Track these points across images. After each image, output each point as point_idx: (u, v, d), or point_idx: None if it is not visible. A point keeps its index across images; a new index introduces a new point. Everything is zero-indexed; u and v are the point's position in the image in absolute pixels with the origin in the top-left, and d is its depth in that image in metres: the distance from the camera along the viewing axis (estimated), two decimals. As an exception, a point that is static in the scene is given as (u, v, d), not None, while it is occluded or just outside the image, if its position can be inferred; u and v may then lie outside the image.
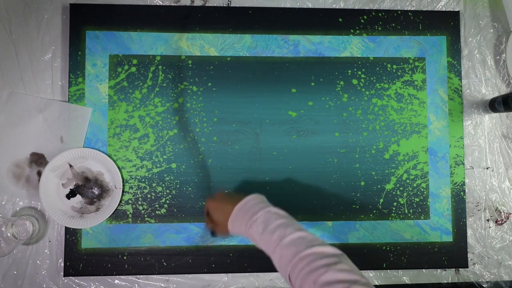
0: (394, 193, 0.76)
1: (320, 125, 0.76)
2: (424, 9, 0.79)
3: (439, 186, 0.76)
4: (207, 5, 0.77)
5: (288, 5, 0.78)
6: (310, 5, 0.78)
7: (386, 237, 0.75)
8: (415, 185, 0.76)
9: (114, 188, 0.72)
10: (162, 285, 0.73)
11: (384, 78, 0.77)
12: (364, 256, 0.74)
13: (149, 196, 0.73)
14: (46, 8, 0.74)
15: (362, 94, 0.76)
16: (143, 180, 0.73)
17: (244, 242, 0.73)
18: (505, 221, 0.77)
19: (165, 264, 0.72)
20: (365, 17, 0.77)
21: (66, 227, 0.71)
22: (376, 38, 0.77)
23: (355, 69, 0.77)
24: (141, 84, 0.74)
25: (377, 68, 0.77)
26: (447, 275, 0.76)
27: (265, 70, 0.76)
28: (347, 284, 0.41)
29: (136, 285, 0.72)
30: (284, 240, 0.49)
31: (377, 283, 0.75)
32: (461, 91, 0.78)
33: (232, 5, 0.77)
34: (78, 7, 0.74)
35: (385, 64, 0.77)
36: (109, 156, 0.72)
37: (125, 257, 0.72)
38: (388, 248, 0.75)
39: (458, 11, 0.79)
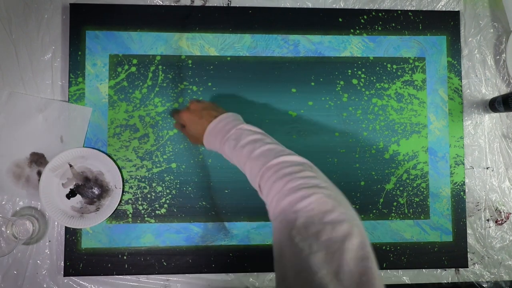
0: (394, 193, 0.76)
1: (320, 125, 0.76)
2: (424, 9, 0.79)
3: (439, 186, 0.76)
4: (207, 5, 0.77)
5: (288, 5, 0.78)
6: (310, 5, 0.78)
7: (386, 237, 0.75)
8: (415, 185, 0.76)
9: (114, 188, 0.72)
10: (162, 284, 0.73)
11: (384, 78, 0.77)
12: (364, 256, 0.74)
13: (149, 196, 0.73)
14: (46, 8, 0.74)
15: (362, 94, 0.76)
16: (143, 180, 0.73)
17: (244, 242, 0.73)
18: (505, 221, 0.78)
19: (165, 264, 0.72)
20: (365, 17, 0.77)
21: (66, 227, 0.71)
22: (376, 38, 0.77)
23: (355, 69, 0.77)
24: (141, 84, 0.74)
25: (377, 68, 0.77)
26: (447, 275, 0.76)
27: (265, 70, 0.76)
28: (311, 189, 0.41)
29: (136, 285, 0.72)
30: (254, 153, 0.49)
31: (377, 283, 0.75)
32: (461, 91, 0.78)
33: (232, 5, 0.77)
34: (78, 7, 0.74)
35: (385, 64, 0.77)
36: (109, 156, 0.72)
37: (125, 257, 0.72)
38: (388, 248, 0.75)
39: (458, 11, 0.79)
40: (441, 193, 0.76)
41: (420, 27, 0.78)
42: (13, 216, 0.72)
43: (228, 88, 0.75)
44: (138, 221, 0.73)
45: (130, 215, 0.73)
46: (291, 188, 0.42)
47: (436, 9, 0.79)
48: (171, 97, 0.74)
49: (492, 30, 0.80)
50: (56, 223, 0.72)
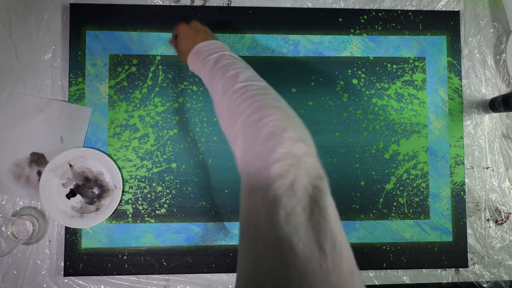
0: (394, 193, 0.76)
1: (320, 125, 0.76)
2: (424, 9, 0.79)
3: (439, 186, 0.76)
4: (207, 5, 0.77)
5: (288, 5, 0.78)
6: (310, 5, 0.78)
7: (386, 237, 0.75)
8: (415, 185, 0.76)
9: (114, 188, 0.72)
10: (162, 284, 0.73)
11: (384, 78, 0.77)
12: (364, 256, 0.74)
13: (149, 196, 0.73)
14: (46, 8, 0.74)
15: (362, 94, 0.76)
16: (143, 180, 0.73)
17: (244, 242, 0.73)
18: (505, 221, 0.77)
19: (165, 264, 0.72)
20: (365, 17, 0.77)
21: (66, 227, 0.71)
22: (376, 38, 0.77)
23: (355, 69, 0.77)
24: (141, 84, 0.74)
25: (377, 68, 0.77)
26: (447, 275, 0.76)
27: (265, 70, 0.75)
28: (273, 109, 0.43)
29: (136, 285, 0.72)
30: (227, 74, 0.50)
31: (377, 283, 0.75)
32: (461, 91, 0.78)
33: (232, 5, 0.77)
34: (78, 7, 0.74)
35: (385, 64, 0.77)
36: (109, 155, 0.72)
37: (125, 257, 0.72)
38: (388, 248, 0.75)
39: (458, 11, 0.79)
40: (441, 193, 0.76)
41: (420, 27, 0.78)
42: (13, 216, 0.72)
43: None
44: (138, 221, 0.73)
45: (130, 215, 0.73)
46: (255, 108, 0.44)
47: (436, 9, 0.79)
48: (171, 97, 0.74)
49: (492, 30, 0.80)
50: (56, 223, 0.72)
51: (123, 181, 0.72)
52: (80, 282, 0.72)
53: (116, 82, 0.74)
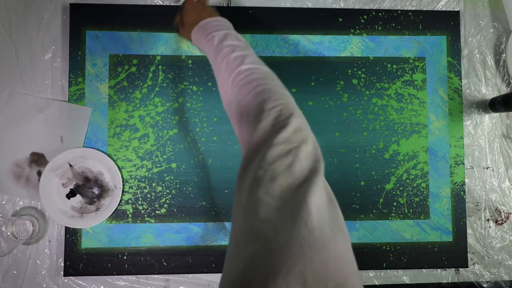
0: (394, 193, 0.76)
1: (320, 125, 0.76)
2: (424, 9, 0.79)
3: (439, 186, 0.76)
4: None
5: (288, 5, 0.78)
6: (310, 5, 0.78)
7: (386, 237, 0.75)
8: (415, 185, 0.76)
9: (114, 188, 0.72)
10: (162, 284, 0.73)
11: (384, 78, 0.77)
12: (364, 256, 0.74)
13: (149, 196, 0.73)
14: (46, 8, 0.74)
15: (362, 94, 0.76)
16: (143, 180, 0.73)
17: (244, 242, 0.73)
18: (505, 221, 0.77)
19: (165, 264, 0.72)
20: (365, 17, 0.77)
21: (66, 227, 0.71)
22: (376, 38, 0.77)
23: (355, 69, 0.77)
24: (141, 84, 0.74)
25: (377, 68, 0.77)
26: (447, 275, 0.76)
27: (265, 70, 0.75)
28: (279, 95, 0.44)
29: (136, 285, 0.72)
30: (232, 54, 0.51)
31: (377, 283, 0.75)
32: (461, 91, 0.78)
33: (232, 5, 0.77)
34: (78, 7, 0.74)
35: (385, 64, 0.77)
36: (109, 156, 0.72)
37: (125, 257, 0.72)
38: (388, 248, 0.75)
39: (458, 11, 0.79)
40: (441, 193, 0.76)
41: (420, 27, 0.78)
42: (13, 216, 0.72)
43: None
44: (138, 221, 0.73)
45: (130, 215, 0.73)
46: (261, 90, 0.45)
47: (436, 9, 0.79)
48: (171, 97, 0.74)
49: (492, 30, 0.80)
50: (56, 223, 0.72)
51: (123, 181, 0.72)
52: (80, 282, 0.72)
53: (116, 82, 0.74)
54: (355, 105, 0.76)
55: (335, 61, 0.76)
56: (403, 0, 0.79)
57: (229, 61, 0.50)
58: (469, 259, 0.76)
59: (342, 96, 0.76)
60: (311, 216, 0.31)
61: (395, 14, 0.78)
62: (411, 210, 0.75)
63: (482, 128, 0.78)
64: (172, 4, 0.76)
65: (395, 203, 0.75)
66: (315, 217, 0.31)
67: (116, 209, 0.72)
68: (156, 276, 0.73)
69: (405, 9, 0.79)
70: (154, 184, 0.73)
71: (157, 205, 0.73)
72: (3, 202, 0.72)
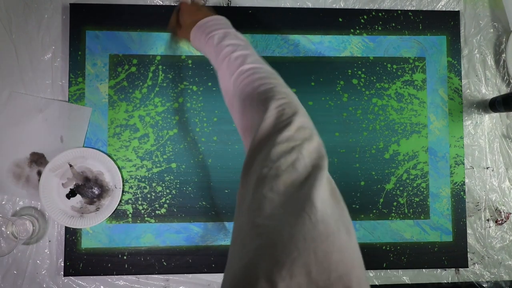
0: (394, 193, 0.76)
1: (320, 125, 0.75)
2: (424, 9, 0.79)
3: (439, 186, 0.76)
4: (207, 5, 0.76)
5: (288, 5, 0.78)
6: (310, 5, 0.78)
7: (386, 237, 0.75)
8: (415, 185, 0.76)
9: (114, 188, 0.72)
10: (162, 284, 0.73)
11: (384, 77, 0.77)
12: (364, 256, 0.74)
13: (149, 196, 0.73)
14: (46, 8, 0.74)
15: (362, 93, 0.76)
16: (143, 180, 0.73)
17: (244, 242, 0.73)
18: (505, 221, 0.77)
19: (165, 264, 0.72)
20: (365, 16, 0.77)
21: (66, 227, 0.71)
22: (376, 38, 0.77)
23: (355, 69, 0.77)
24: (141, 83, 0.74)
25: (377, 68, 0.77)
26: (447, 275, 0.76)
27: (265, 70, 0.75)
28: (282, 94, 0.45)
29: (136, 285, 0.72)
30: (234, 54, 0.51)
31: (377, 283, 0.75)
32: (461, 91, 0.78)
33: (232, 5, 0.77)
34: (78, 7, 0.74)
35: (385, 63, 0.77)
36: (109, 155, 0.72)
37: (125, 257, 0.72)
38: (388, 248, 0.75)
39: (458, 11, 0.79)
40: (441, 193, 0.76)
41: (420, 27, 0.78)
42: (13, 216, 0.72)
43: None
44: (138, 221, 0.73)
45: (130, 215, 0.73)
46: (264, 90, 0.45)
47: (436, 9, 0.79)
48: (171, 97, 0.74)
49: (492, 30, 0.80)
50: (56, 223, 0.72)
51: (123, 181, 0.72)
52: (80, 282, 0.72)
53: (116, 82, 0.74)
54: (355, 105, 0.76)
55: (335, 61, 0.76)
56: (403, 0, 0.79)
57: (230, 60, 0.50)
58: (469, 259, 0.76)
59: (342, 96, 0.76)
60: (315, 210, 0.32)
61: (395, 14, 0.78)
62: (411, 210, 0.75)
63: (482, 128, 0.78)
64: (172, 4, 0.76)
65: (395, 203, 0.75)
66: (319, 211, 0.32)
67: (116, 209, 0.72)
68: (156, 276, 0.73)
69: (405, 9, 0.79)
70: (154, 184, 0.73)
71: (157, 205, 0.73)
72: (3, 202, 0.72)
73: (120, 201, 0.72)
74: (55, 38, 0.74)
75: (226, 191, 0.74)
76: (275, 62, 0.75)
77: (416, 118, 0.77)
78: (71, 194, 0.72)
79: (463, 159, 0.77)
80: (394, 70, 0.77)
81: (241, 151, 0.74)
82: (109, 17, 0.74)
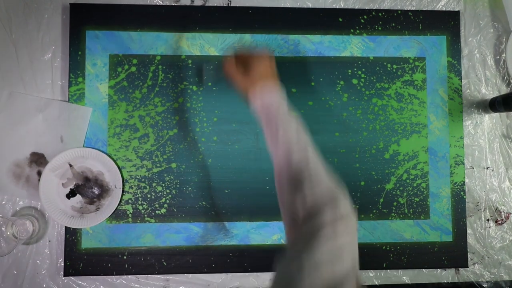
0: (394, 193, 0.76)
1: (320, 125, 0.76)
2: (424, 9, 0.79)
3: (439, 186, 0.76)
4: (207, 4, 0.77)
5: (288, 5, 0.78)
6: (310, 5, 0.78)
7: (386, 237, 0.75)
8: (415, 185, 0.76)
9: (114, 187, 0.72)
10: (162, 284, 0.73)
11: (384, 77, 0.77)
12: (364, 256, 0.74)
13: (149, 196, 0.73)
14: (46, 8, 0.74)
15: (362, 93, 0.76)
16: (143, 180, 0.73)
17: (244, 242, 0.73)
18: (505, 221, 0.77)
19: (165, 264, 0.72)
20: (365, 16, 0.77)
21: (66, 227, 0.71)
22: (376, 37, 0.77)
23: (355, 69, 0.77)
24: (141, 83, 0.74)
25: (377, 68, 0.77)
26: (447, 275, 0.76)
27: (265, 70, 0.75)
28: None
29: (136, 285, 0.72)
30: (302, 138, 0.53)
31: (377, 283, 0.75)
32: (461, 91, 0.78)
33: (232, 4, 0.77)
34: (78, 7, 0.74)
35: (385, 63, 0.77)
36: (109, 155, 0.72)
37: (125, 257, 0.72)
38: (388, 248, 0.75)
39: (458, 11, 0.79)
40: (441, 193, 0.76)
41: (420, 27, 0.78)
42: (13, 216, 0.72)
43: (228, 88, 0.75)
44: (138, 221, 0.73)
45: (130, 215, 0.73)
46: (317, 181, 0.48)
47: (436, 9, 0.79)
48: (171, 97, 0.74)
49: (492, 30, 0.80)
50: (56, 223, 0.72)
51: (123, 181, 0.72)
52: (80, 282, 0.72)
53: (116, 82, 0.74)
54: (355, 105, 0.76)
55: (335, 61, 0.76)
56: (403, 0, 0.79)
57: (297, 145, 0.52)
58: (469, 259, 0.76)
59: (342, 96, 0.76)
60: None
61: (395, 14, 0.78)
62: (411, 210, 0.75)
63: (482, 128, 0.78)
64: (172, 4, 0.76)
65: (395, 203, 0.75)
66: None
67: (116, 209, 0.71)
68: (156, 276, 0.73)
69: (405, 9, 0.79)
70: (154, 184, 0.73)
71: (157, 205, 0.73)
72: (3, 202, 0.72)
73: (120, 201, 0.72)
74: (55, 38, 0.74)
75: (226, 191, 0.74)
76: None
77: (416, 118, 0.77)
78: (71, 194, 0.72)
79: (463, 159, 0.77)
80: (394, 70, 0.77)
81: (241, 151, 0.74)
82: (109, 17, 0.74)
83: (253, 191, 0.74)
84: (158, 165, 0.73)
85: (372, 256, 0.74)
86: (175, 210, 0.73)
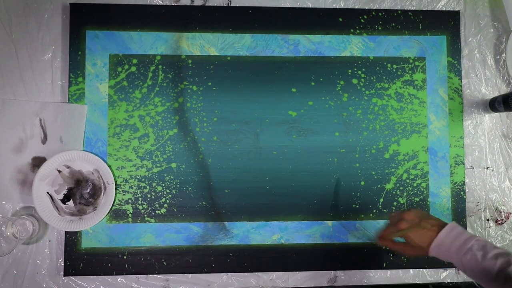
0: (394, 192, 0.76)
1: (320, 125, 0.76)
2: (424, 9, 0.79)
3: (439, 185, 0.76)
4: (207, 4, 0.77)
5: (288, 5, 0.78)
6: (310, 5, 0.78)
7: (386, 237, 0.75)
8: (415, 184, 0.76)
9: (107, 184, 0.72)
10: (162, 284, 0.73)
11: (384, 77, 0.77)
12: (364, 256, 0.74)
13: (149, 195, 0.73)
14: (46, 8, 0.74)
15: (362, 93, 0.76)
16: (143, 179, 0.73)
17: (244, 242, 0.73)
18: (505, 221, 0.77)
19: (165, 263, 0.72)
20: (365, 16, 0.77)
21: (66, 227, 0.71)
22: (376, 37, 0.77)
23: (355, 69, 0.77)
24: (141, 83, 0.74)
25: (377, 68, 0.77)
26: (447, 275, 0.76)
27: (265, 69, 0.76)
28: None
29: (136, 285, 0.72)
30: (510, 268, 0.52)
31: (377, 283, 0.75)
32: (461, 90, 0.78)
33: (232, 4, 0.77)
34: (78, 7, 0.74)
35: (385, 63, 0.77)
36: (95, 154, 0.72)
37: (125, 257, 0.72)
38: (388, 248, 0.75)
39: (458, 11, 0.79)
40: (441, 193, 0.76)
41: (420, 27, 0.78)
42: (13, 216, 0.72)
43: (228, 87, 0.75)
44: (138, 221, 0.73)
45: (130, 215, 0.73)
46: None
47: (436, 9, 0.79)
48: (171, 97, 0.74)
49: (492, 30, 0.80)
50: (56, 223, 0.72)
51: (114, 176, 0.72)
52: (80, 282, 0.72)
53: (116, 82, 0.74)
54: (355, 105, 0.76)
55: (335, 61, 0.77)
56: (403, 0, 0.79)
57: (510, 276, 0.51)
58: (469, 259, 0.76)
59: (342, 96, 0.76)
60: None
61: (395, 14, 0.78)
62: (411, 210, 0.75)
63: (482, 128, 0.78)
64: (172, 4, 0.76)
65: (395, 203, 0.75)
66: None
67: (114, 206, 0.72)
68: (156, 276, 0.73)
69: (405, 9, 0.79)
70: (154, 184, 0.73)
71: (157, 205, 0.73)
72: (3, 202, 0.72)
73: (120, 200, 0.72)
74: (55, 38, 0.74)
75: (226, 191, 0.74)
76: (275, 62, 0.76)
77: (416, 118, 0.77)
78: (65, 199, 0.72)
79: (463, 159, 0.77)
80: (394, 70, 0.77)
81: (241, 151, 0.74)
82: (109, 17, 0.74)
83: (253, 191, 0.74)
84: (158, 165, 0.73)
85: (372, 256, 0.74)
86: (175, 210, 0.73)
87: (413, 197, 0.76)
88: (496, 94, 0.79)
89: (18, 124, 0.72)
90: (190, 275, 0.73)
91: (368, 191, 0.75)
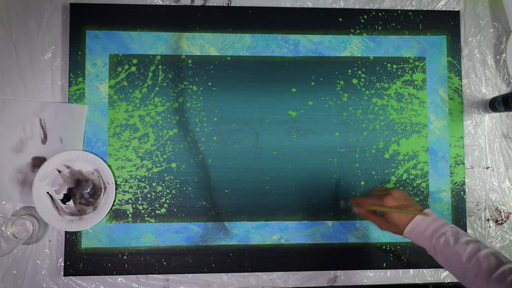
0: (394, 192, 0.75)
1: (320, 125, 0.76)
2: (424, 9, 0.79)
3: (439, 185, 0.76)
4: (207, 4, 0.77)
5: (288, 5, 0.78)
6: (310, 5, 0.78)
7: (386, 237, 0.75)
8: (415, 184, 0.76)
9: (107, 184, 0.72)
10: (162, 284, 0.73)
11: (384, 77, 0.77)
12: (364, 256, 0.74)
13: (149, 195, 0.73)
14: (46, 8, 0.74)
15: (362, 93, 0.76)
16: (143, 179, 0.73)
17: (244, 242, 0.73)
18: (505, 221, 0.77)
19: (165, 263, 0.72)
20: (365, 16, 0.77)
21: (66, 227, 0.71)
22: (376, 37, 0.77)
23: (355, 69, 0.77)
24: (141, 83, 0.74)
25: (377, 68, 0.77)
26: (447, 275, 0.76)
27: (265, 69, 0.76)
28: None
29: (136, 285, 0.72)
30: (480, 253, 0.54)
31: (377, 283, 0.75)
32: (461, 90, 0.78)
33: (232, 4, 0.77)
34: (78, 7, 0.74)
35: (385, 63, 0.77)
36: (95, 154, 0.72)
37: (125, 257, 0.72)
38: (388, 248, 0.75)
39: (458, 11, 0.79)
40: (441, 193, 0.76)
41: (420, 27, 0.78)
42: (13, 216, 0.72)
43: (228, 87, 0.75)
44: (138, 221, 0.73)
45: (130, 215, 0.73)
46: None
47: (436, 9, 0.79)
48: (171, 97, 0.74)
49: (492, 30, 0.80)
50: (56, 223, 0.72)
51: (114, 176, 0.72)
52: (80, 282, 0.72)
53: (116, 82, 0.74)
54: (355, 105, 0.76)
55: (335, 61, 0.77)
56: (403, 0, 0.79)
57: (476, 262, 0.53)
58: (469, 259, 0.76)
59: (342, 96, 0.76)
60: None
61: (395, 14, 0.78)
62: (411, 210, 0.75)
63: (482, 128, 0.78)
64: (172, 4, 0.76)
65: (395, 203, 0.75)
66: None
67: (114, 206, 0.72)
68: (156, 276, 0.73)
69: (405, 9, 0.79)
70: (154, 184, 0.73)
71: (157, 205, 0.73)
72: (3, 202, 0.72)
73: (120, 200, 0.72)
74: (55, 38, 0.74)
75: (226, 191, 0.74)
76: (275, 62, 0.76)
77: (416, 118, 0.77)
78: (65, 199, 0.72)
79: (463, 159, 0.77)
80: (394, 70, 0.77)
81: (241, 151, 0.74)
82: (109, 17, 0.74)
83: (253, 191, 0.74)
84: (158, 165, 0.73)
85: (372, 256, 0.74)
86: (175, 210, 0.73)
87: (413, 197, 0.76)
88: (496, 94, 0.79)
89: (18, 124, 0.72)
90: (190, 275, 0.73)
91: (368, 191, 0.75)
